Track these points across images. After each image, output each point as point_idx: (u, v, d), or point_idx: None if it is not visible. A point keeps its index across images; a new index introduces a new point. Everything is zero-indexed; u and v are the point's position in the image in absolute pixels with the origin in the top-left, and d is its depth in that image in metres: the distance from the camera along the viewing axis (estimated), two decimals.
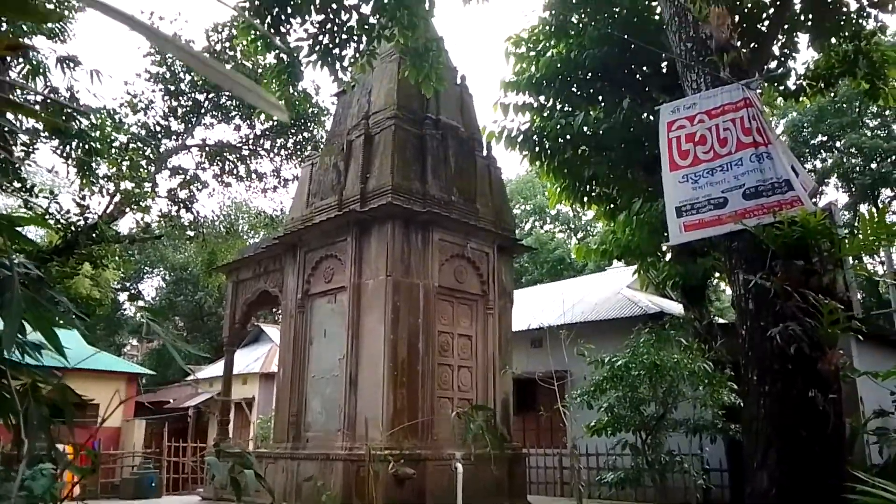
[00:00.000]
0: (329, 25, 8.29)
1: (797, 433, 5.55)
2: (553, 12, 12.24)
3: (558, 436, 13.62)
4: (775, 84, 12.19)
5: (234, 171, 19.13)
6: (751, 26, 11.11)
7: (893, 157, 25.06)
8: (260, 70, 15.64)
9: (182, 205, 17.82)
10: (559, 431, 13.44)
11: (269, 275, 12.06)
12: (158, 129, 17.43)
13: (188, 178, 18.01)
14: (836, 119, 25.51)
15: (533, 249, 20.88)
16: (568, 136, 11.80)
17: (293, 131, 18.09)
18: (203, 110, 17.80)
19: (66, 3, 12.79)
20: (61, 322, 1.86)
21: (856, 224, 7.06)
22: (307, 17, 8.24)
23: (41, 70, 10.82)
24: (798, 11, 11.32)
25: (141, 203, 14.90)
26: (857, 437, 7.93)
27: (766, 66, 11.25)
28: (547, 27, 12.36)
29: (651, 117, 10.57)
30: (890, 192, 27.07)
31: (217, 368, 21.31)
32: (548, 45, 12.41)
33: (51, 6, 11.98)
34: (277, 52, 8.80)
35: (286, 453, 10.04)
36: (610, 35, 11.37)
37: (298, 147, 18.58)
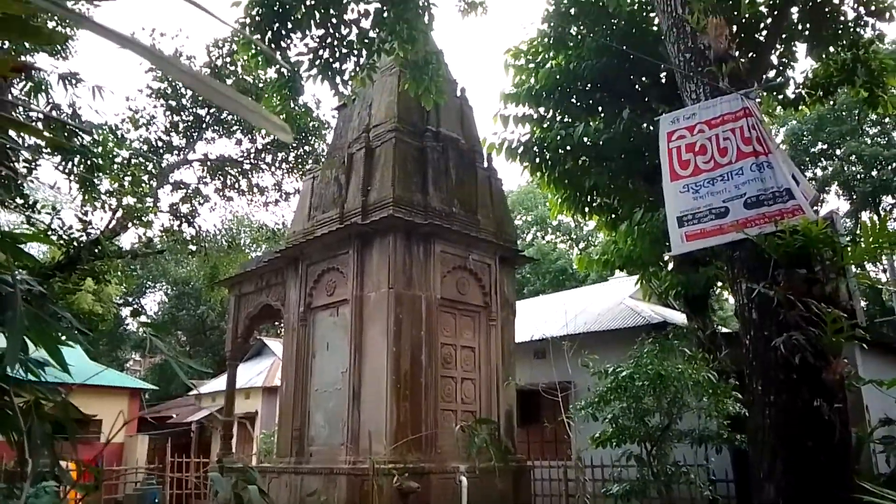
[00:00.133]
0: (329, 40, 8.35)
1: (803, 443, 5.50)
2: (552, 24, 12.30)
3: (563, 448, 13.53)
4: (774, 93, 12.23)
5: (236, 185, 19.24)
6: (749, 36, 11.17)
7: (894, 165, 25.08)
8: (261, 84, 15.75)
9: (184, 219, 17.89)
10: (564, 443, 13.35)
11: (272, 288, 12.05)
12: (160, 144, 17.53)
13: (190, 192, 18.10)
14: (835, 127, 25.55)
15: (535, 260, 20.85)
16: (568, 147, 11.82)
17: (294, 145, 18.17)
18: (204, 125, 17.91)
19: (67, 23, 12.88)
20: (64, 338, 1.86)
21: (857, 232, 7.03)
22: (307, 32, 8.30)
23: (43, 87, 10.90)
24: (796, 21, 11.38)
25: (143, 218, 14.96)
26: (864, 446, 7.87)
27: (764, 76, 11.31)
28: (546, 39, 12.42)
29: (651, 128, 10.58)
30: (891, 199, 27.06)
31: (220, 383, 21.24)
32: (547, 56, 12.46)
33: (52, 24, 12.06)
34: (278, 66, 8.86)
35: (290, 468, 9.97)
36: (609, 46, 11.42)
37: (300, 161, 18.68)
